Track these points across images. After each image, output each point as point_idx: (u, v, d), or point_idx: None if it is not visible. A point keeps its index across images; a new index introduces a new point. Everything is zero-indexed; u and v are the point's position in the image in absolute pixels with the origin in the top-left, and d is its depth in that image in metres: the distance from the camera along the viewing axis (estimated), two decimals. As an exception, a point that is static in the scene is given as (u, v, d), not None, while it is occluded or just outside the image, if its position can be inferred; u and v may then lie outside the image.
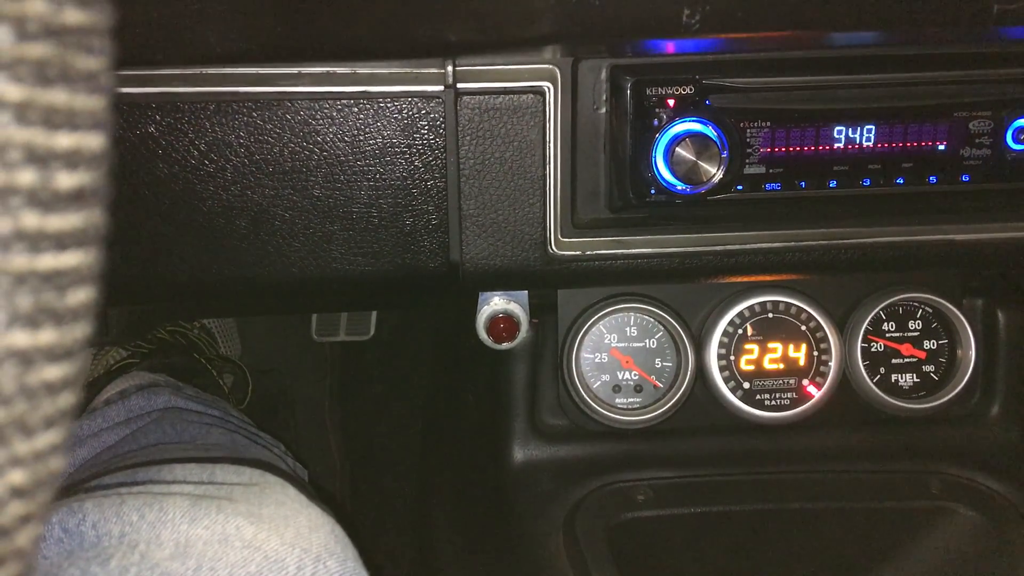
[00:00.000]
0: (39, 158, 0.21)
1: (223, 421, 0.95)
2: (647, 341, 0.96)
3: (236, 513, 0.60)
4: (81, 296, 0.23)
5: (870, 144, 0.77)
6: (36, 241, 0.21)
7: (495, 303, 0.90)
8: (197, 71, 0.70)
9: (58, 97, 0.21)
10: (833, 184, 0.77)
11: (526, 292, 0.92)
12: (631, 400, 0.96)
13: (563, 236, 0.78)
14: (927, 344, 0.97)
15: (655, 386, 0.96)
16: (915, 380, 0.97)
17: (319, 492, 0.78)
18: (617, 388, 0.96)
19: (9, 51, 0.20)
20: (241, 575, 0.56)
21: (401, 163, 0.74)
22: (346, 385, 1.57)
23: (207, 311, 1.30)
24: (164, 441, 0.85)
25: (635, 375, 0.96)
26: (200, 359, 1.27)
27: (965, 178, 0.78)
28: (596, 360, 0.96)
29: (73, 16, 0.21)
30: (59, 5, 0.21)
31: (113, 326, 1.00)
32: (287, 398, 1.52)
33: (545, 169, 0.76)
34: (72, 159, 0.21)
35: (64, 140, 0.21)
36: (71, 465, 0.82)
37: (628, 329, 0.96)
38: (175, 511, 0.60)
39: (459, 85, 0.72)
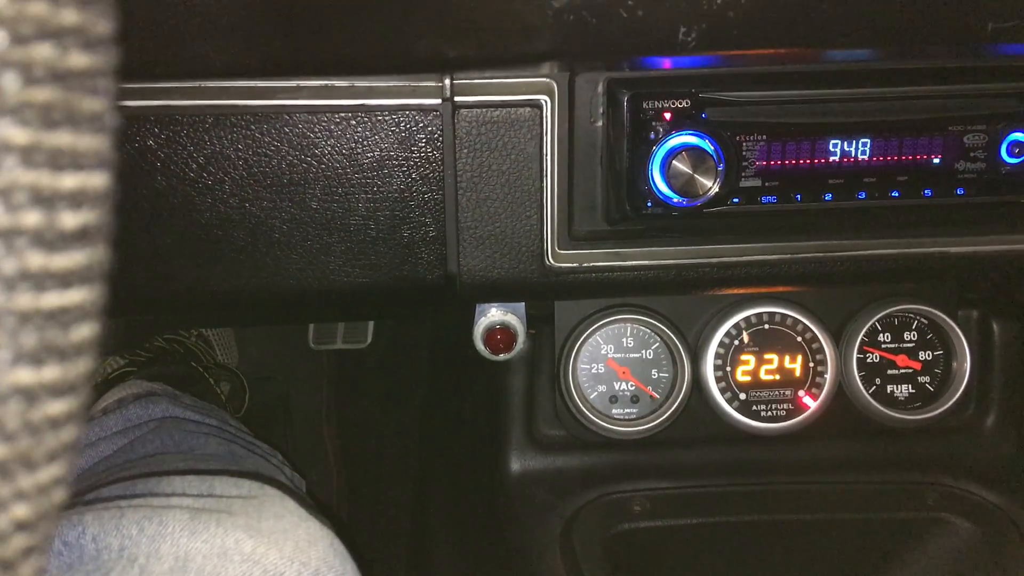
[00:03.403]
0: (44, 199, 0.21)
1: (220, 430, 0.95)
2: (644, 352, 0.96)
3: (235, 527, 0.61)
4: (85, 332, 0.23)
5: (865, 157, 0.77)
6: (41, 280, 0.21)
7: (492, 314, 0.91)
8: (196, 84, 0.70)
9: (63, 139, 0.21)
10: (829, 197, 0.78)
11: (523, 304, 0.92)
12: (628, 411, 0.96)
13: (560, 248, 0.78)
14: (922, 355, 0.98)
15: (652, 397, 0.96)
16: (910, 391, 0.98)
17: (316, 502, 0.78)
18: (614, 399, 0.96)
19: (16, 95, 0.20)
20: (239, 589, 0.57)
21: (399, 176, 0.74)
22: (343, 393, 1.56)
23: (205, 321, 1.30)
24: (162, 451, 0.85)
25: (632, 386, 0.96)
26: (197, 367, 1.27)
27: (960, 191, 0.78)
28: (593, 371, 0.96)
29: (78, 60, 0.21)
30: (65, 49, 0.21)
31: (111, 335, 1.01)
32: (284, 406, 1.52)
33: (542, 182, 0.76)
34: (77, 199, 0.22)
35: (69, 181, 0.21)
36: (68, 475, 0.82)
37: (625, 340, 0.96)
38: (174, 524, 0.60)
39: (456, 98, 0.73)
